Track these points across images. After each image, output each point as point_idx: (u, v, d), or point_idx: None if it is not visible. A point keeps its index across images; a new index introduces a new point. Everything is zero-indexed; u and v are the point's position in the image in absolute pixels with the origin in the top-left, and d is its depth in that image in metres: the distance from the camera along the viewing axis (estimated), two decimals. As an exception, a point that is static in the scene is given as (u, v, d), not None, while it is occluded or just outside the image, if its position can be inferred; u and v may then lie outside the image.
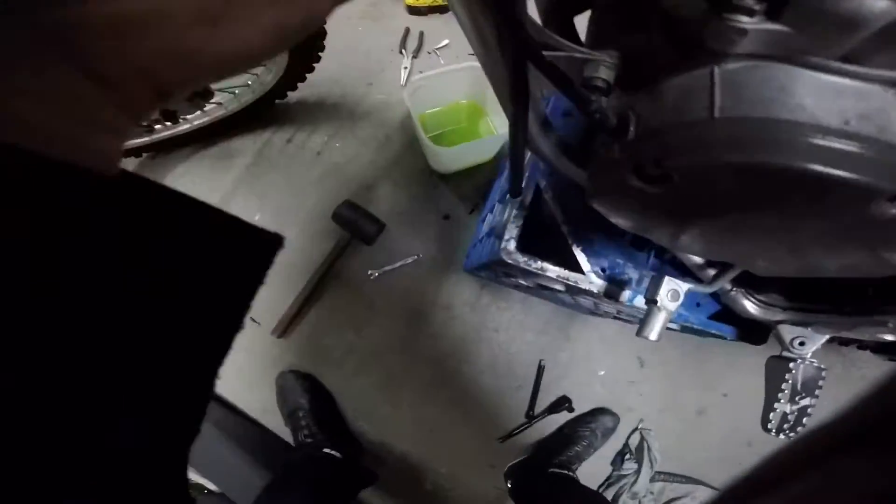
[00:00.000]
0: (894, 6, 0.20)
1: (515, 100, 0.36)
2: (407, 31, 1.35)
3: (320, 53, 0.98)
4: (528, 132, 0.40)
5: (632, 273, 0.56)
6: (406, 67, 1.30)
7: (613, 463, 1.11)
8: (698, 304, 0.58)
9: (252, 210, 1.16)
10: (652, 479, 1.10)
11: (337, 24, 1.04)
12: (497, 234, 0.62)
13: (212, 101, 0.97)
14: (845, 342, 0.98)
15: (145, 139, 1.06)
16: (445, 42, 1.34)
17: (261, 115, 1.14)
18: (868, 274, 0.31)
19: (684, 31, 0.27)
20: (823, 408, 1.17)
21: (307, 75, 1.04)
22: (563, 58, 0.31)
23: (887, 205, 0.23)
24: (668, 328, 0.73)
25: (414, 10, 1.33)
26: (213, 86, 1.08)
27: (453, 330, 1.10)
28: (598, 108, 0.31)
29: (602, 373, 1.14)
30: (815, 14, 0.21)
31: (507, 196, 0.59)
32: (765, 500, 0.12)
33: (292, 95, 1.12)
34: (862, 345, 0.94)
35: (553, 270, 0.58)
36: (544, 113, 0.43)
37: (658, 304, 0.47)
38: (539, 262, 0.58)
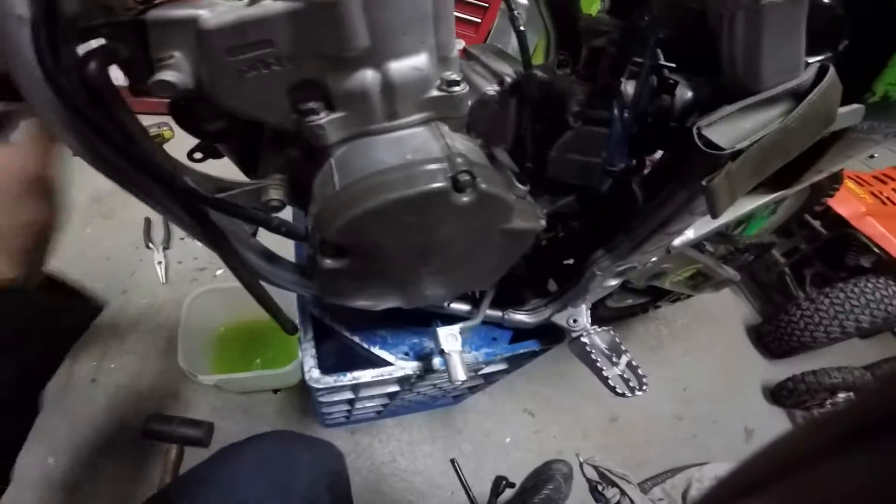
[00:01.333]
0: (374, 72, 0.31)
1: (215, 245, 0.39)
2: (148, 221, 1.27)
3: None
4: (248, 271, 0.43)
5: (429, 343, 0.65)
6: (160, 262, 1.22)
7: (598, 500, 1.09)
8: (494, 339, 0.70)
9: (41, 457, 0.93)
10: (644, 491, 1.12)
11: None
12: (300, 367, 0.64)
13: None
14: (644, 310, 1.27)
15: None
16: (196, 222, 1.35)
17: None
18: (513, 258, 0.44)
19: (300, 141, 0.36)
20: (683, 357, 1.41)
21: (37, 299, 0.92)
22: (241, 193, 0.38)
23: (456, 195, 0.33)
24: (498, 371, 0.84)
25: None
26: None
27: (355, 483, 1.01)
28: (279, 224, 0.37)
29: (508, 440, 1.17)
30: (345, 97, 0.32)
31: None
32: (758, 498, 0.12)
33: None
34: (655, 305, 1.23)
35: (366, 374, 0.62)
36: (263, 247, 0.47)
37: (447, 350, 0.56)
38: (349, 375, 0.61)
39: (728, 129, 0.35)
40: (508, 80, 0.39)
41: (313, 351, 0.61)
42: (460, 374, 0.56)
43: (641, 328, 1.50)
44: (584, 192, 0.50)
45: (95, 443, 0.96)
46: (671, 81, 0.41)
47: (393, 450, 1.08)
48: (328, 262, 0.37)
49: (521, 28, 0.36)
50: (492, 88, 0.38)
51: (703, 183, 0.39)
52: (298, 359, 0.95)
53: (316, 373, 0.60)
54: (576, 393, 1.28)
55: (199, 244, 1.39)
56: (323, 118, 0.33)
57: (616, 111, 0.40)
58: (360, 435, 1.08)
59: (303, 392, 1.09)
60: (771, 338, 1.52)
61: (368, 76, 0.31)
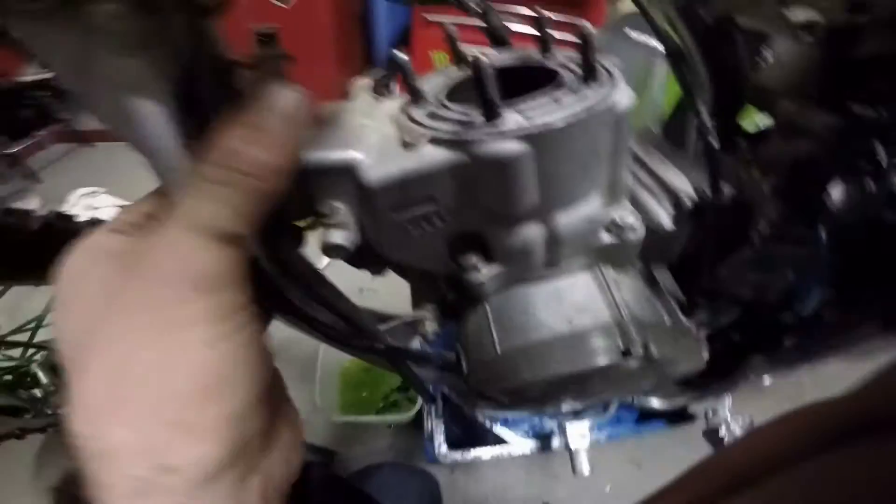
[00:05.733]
0: (540, 227, 0.26)
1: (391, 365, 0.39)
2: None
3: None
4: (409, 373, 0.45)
5: (551, 423, 0.60)
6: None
7: None
8: (619, 419, 0.63)
9: None
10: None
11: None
12: (427, 438, 0.63)
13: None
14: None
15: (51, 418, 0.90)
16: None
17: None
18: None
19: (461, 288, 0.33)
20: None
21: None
22: (400, 325, 0.35)
23: (625, 361, 0.27)
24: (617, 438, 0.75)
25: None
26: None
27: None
28: (438, 358, 0.36)
29: (608, 489, 1.06)
30: (506, 253, 0.27)
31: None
32: (739, 497, 0.11)
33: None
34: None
35: (485, 451, 0.60)
36: (419, 355, 0.47)
37: (574, 447, 0.51)
38: (471, 452, 0.60)
39: None
40: (688, 202, 0.31)
41: (442, 427, 0.60)
42: (585, 471, 0.51)
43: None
44: (754, 305, 0.40)
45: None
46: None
47: (486, 490, 1.04)
48: (482, 403, 0.33)
49: (715, 143, 0.28)
50: (667, 218, 0.31)
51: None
52: (417, 405, 0.97)
53: (444, 448, 0.59)
54: (692, 443, 1.11)
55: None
56: (482, 274, 0.28)
57: (822, 235, 0.30)
58: (458, 473, 1.06)
59: (412, 428, 1.10)
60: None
61: (532, 232, 0.26)
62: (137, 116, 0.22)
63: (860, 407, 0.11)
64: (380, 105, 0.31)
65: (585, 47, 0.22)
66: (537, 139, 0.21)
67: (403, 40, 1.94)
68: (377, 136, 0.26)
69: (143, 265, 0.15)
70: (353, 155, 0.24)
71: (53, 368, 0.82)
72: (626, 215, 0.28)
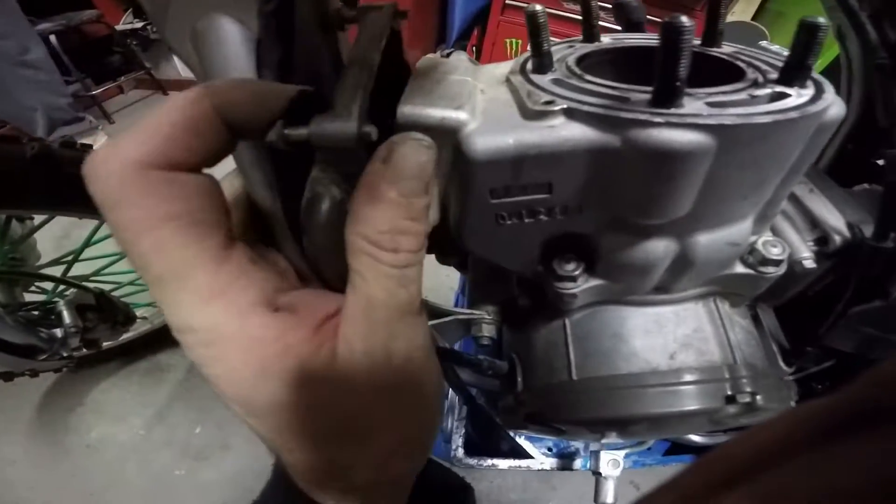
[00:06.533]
0: (673, 244, 0.21)
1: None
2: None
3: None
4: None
5: (577, 443, 0.56)
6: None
7: None
8: (649, 449, 0.58)
9: (191, 423, 1.06)
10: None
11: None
12: (445, 439, 0.60)
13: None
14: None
15: (65, 361, 0.91)
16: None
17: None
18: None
19: (538, 295, 0.28)
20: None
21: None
22: (453, 321, 0.31)
23: (726, 407, 0.24)
24: (641, 467, 0.71)
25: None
26: (139, 300, 1.02)
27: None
28: (489, 366, 0.33)
29: (603, 507, 1.06)
30: (618, 268, 0.23)
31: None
32: (729, 495, 0.10)
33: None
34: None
35: (504, 463, 0.56)
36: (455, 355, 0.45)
37: (604, 474, 0.47)
38: (489, 461, 0.56)
39: None
40: (837, 240, 0.26)
41: (463, 430, 0.56)
42: (609, 498, 0.47)
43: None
44: (852, 358, 0.35)
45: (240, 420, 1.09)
46: None
47: (481, 490, 1.02)
48: (529, 427, 0.29)
49: None
50: (809, 255, 0.25)
51: None
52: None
53: (461, 452, 0.56)
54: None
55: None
56: (579, 286, 0.23)
57: None
58: (456, 469, 1.04)
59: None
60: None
61: (661, 248, 0.21)
62: (218, 38, 0.18)
63: (858, 398, 0.10)
64: (482, 67, 0.25)
65: (809, 42, 0.16)
66: (727, 134, 0.16)
67: (479, 24, 1.86)
68: (486, 99, 0.21)
69: (389, 364, 0.16)
70: (457, 115, 0.18)
71: (79, 308, 0.81)
72: (772, 246, 0.23)
